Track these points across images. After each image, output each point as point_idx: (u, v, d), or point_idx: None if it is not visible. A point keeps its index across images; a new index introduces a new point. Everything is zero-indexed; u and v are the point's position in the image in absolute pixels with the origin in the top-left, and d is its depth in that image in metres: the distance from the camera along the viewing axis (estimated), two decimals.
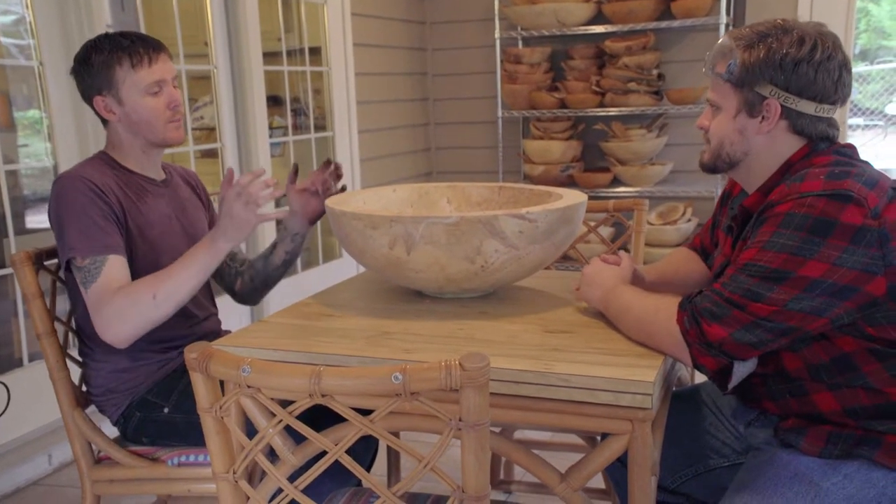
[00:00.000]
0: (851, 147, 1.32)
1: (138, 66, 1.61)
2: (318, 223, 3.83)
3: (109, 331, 1.52)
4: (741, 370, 1.26)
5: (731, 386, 1.26)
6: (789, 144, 1.31)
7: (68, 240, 1.55)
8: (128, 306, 1.51)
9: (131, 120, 1.64)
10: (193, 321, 1.75)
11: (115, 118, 1.65)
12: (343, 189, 1.84)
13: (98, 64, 1.61)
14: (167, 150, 1.79)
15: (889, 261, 1.17)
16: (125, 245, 1.59)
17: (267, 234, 3.31)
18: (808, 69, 1.25)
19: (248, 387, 0.97)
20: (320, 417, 1.12)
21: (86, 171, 1.60)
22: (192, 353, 0.99)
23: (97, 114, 1.68)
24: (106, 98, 1.63)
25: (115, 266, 1.54)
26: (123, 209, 1.61)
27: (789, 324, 1.19)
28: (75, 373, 1.68)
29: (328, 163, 1.84)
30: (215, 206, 1.80)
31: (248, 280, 1.90)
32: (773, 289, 1.18)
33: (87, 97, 1.65)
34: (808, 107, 1.27)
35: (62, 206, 1.56)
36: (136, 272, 1.60)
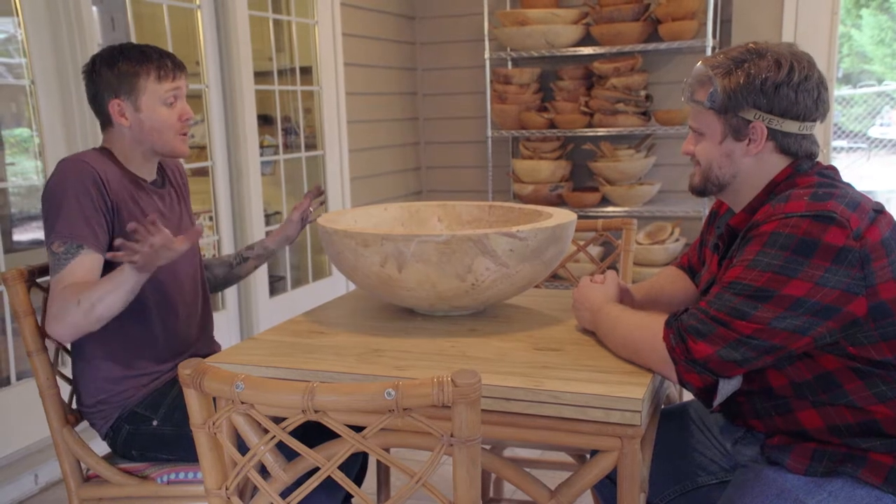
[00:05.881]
0: (833, 169, 1.35)
1: (164, 79, 1.66)
2: (308, 242, 3.85)
3: (48, 325, 1.52)
4: (726, 388, 1.27)
5: (715, 403, 1.28)
6: (775, 164, 1.34)
7: (55, 222, 1.55)
8: (61, 307, 1.50)
9: (143, 128, 1.67)
10: (186, 336, 1.75)
11: (126, 123, 1.67)
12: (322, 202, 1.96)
13: (125, 70, 1.64)
14: None
15: (870, 281, 1.19)
16: (109, 242, 1.59)
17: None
18: (788, 91, 1.28)
19: (242, 403, 0.97)
20: (309, 435, 1.13)
21: (90, 157, 1.62)
22: (185, 369, 0.99)
23: (102, 116, 1.69)
24: (123, 103, 1.65)
25: (84, 262, 1.53)
26: (119, 205, 1.61)
27: (773, 342, 1.21)
28: (64, 391, 1.68)
29: (320, 191, 1.93)
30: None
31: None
32: (757, 307, 1.20)
33: (101, 98, 1.67)
34: (792, 126, 1.31)
35: (60, 185, 1.57)
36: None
